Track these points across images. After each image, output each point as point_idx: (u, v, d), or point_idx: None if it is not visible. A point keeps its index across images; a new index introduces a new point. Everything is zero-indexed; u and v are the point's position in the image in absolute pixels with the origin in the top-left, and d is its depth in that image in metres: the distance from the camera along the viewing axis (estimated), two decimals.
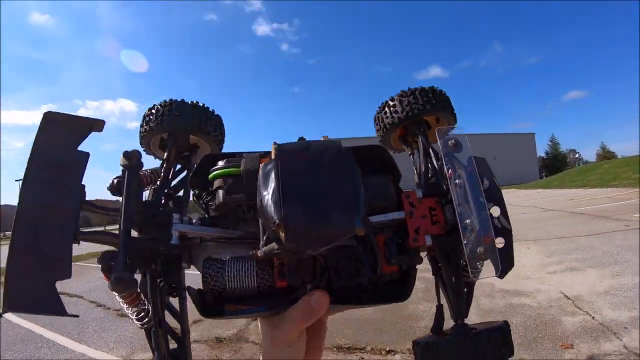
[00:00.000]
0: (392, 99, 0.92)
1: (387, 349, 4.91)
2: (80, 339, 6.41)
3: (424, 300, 6.23)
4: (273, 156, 0.62)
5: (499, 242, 0.70)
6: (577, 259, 7.81)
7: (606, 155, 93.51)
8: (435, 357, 0.71)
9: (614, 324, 4.81)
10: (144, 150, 0.98)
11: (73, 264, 0.58)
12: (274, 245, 0.59)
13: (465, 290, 0.78)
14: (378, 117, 0.96)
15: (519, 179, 60.60)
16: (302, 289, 0.68)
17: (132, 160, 0.71)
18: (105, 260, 0.65)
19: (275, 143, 0.63)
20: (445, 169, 0.73)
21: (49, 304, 0.59)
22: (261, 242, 0.65)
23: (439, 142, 0.75)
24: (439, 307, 0.80)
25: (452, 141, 0.74)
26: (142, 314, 0.74)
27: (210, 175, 0.74)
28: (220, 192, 0.72)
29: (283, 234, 0.54)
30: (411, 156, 0.93)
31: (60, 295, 0.59)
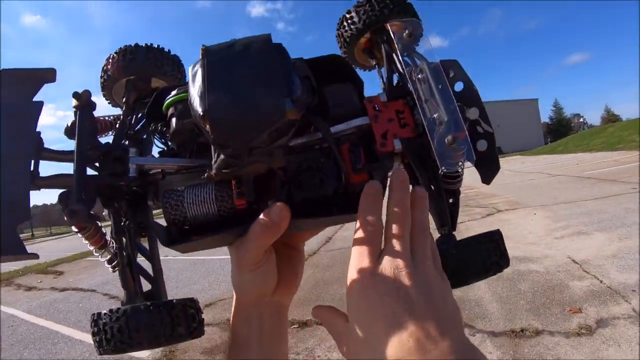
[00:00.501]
0: (349, 11, 0.87)
1: None
2: None
3: None
4: (201, 56, 0.59)
5: (481, 147, 0.69)
6: (584, 223, 7.79)
7: (610, 118, 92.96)
8: None
9: (622, 287, 4.81)
10: (108, 103, 0.99)
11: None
12: (221, 157, 0.58)
13: (451, 201, 0.75)
14: (338, 33, 0.92)
15: (523, 145, 60.42)
16: (263, 207, 0.64)
17: (81, 99, 0.72)
18: (63, 199, 0.66)
19: (202, 45, 0.60)
20: (403, 64, 0.70)
21: (10, 246, 0.59)
22: (213, 160, 0.62)
23: (392, 35, 0.72)
24: None
25: (407, 31, 0.71)
26: (111, 256, 0.78)
27: (164, 106, 0.72)
28: (173, 119, 0.69)
29: (208, 126, 0.52)
30: (376, 67, 0.89)
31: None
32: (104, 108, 0.82)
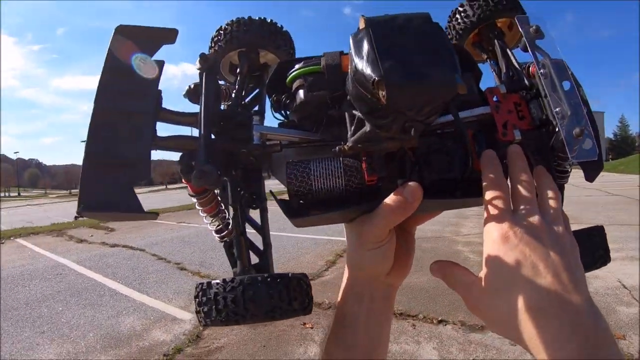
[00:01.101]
0: (462, 5, 0.88)
1: (439, 319, 4.94)
2: (141, 289, 6.71)
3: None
4: (362, 26, 0.57)
5: (587, 145, 0.66)
6: (637, 248, 7.51)
7: None
8: None
9: None
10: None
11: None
12: (365, 128, 0.58)
13: None
14: (449, 25, 0.92)
15: None
16: (389, 186, 0.64)
17: (209, 62, 0.72)
18: (184, 161, 0.67)
19: (362, 15, 0.58)
20: (532, 55, 0.69)
21: (126, 203, 0.60)
22: (349, 132, 0.63)
23: (520, 30, 0.72)
24: None
25: (534, 27, 0.71)
26: (222, 225, 0.76)
27: (289, 78, 0.72)
28: (301, 91, 0.69)
29: (383, 92, 0.50)
30: (487, 61, 0.89)
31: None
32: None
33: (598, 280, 5.93)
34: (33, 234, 13.41)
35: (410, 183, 0.62)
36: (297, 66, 0.71)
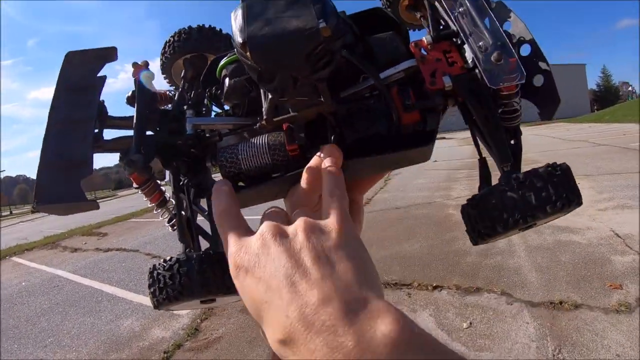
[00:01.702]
0: None
1: (434, 285, 4.97)
2: (138, 290, 6.73)
3: None
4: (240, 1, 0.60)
5: (537, 81, 0.69)
6: (629, 196, 7.56)
7: None
8: (480, 213, 0.69)
9: None
10: (167, 83, 1.07)
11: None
12: (269, 98, 0.61)
13: (512, 142, 0.75)
14: None
15: (569, 112, 58.50)
16: (315, 152, 0.63)
17: (139, 68, 0.81)
18: (122, 156, 0.75)
19: None
20: (444, 2, 0.71)
21: (70, 194, 0.70)
22: (263, 106, 0.65)
23: None
24: (481, 161, 0.77)
25: None
26: (170, 215, 0.84)
27: (217, 70, 0.76)
28: (226, 80, 0.73)
29: (249, 54, 0.54)
30: (422, 19, 0.89)
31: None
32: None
33: (591, 231, 6.00)
34: (28, 250, 13.36)
35: (325, 145, 0.61)
36: (224, 58, 0.75)
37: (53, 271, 9.36)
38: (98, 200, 0.75)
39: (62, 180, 0.70)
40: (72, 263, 9.84)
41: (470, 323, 4.01)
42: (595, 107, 78.25)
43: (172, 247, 9.33)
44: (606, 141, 17.69)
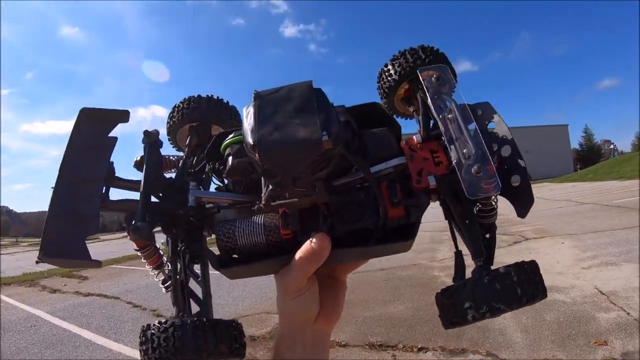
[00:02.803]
0: (386, 65, 0.94)
1: (419, 346, 4.92)
2: (118, 338, 6.57)
3: None
4: (252, 99, 0.66)
5: (515, 181, 0.72)
6: (612, 254, 7.66)
7: None
8: (453, 304, 0.71)
9: None
10: (173, 147, 1.10)
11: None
12: (269, 187, 0.66)
13: (487, 236, 0.78)
14: (378, 85, 0.98)
15: (552, 172, 59.30)
16: (306, 238, 0.70)
17: (150, 137, 0.84)
18: (128, 220, 0.76)
19: (255, 91, 0.67)
20: (434, 106, 0.75)
21: (77, 252, 0.71)
22: (263, 191, 0.70)
23: (422, 80, 0.78)
24: (457, 254, 0.80)
25: (435, 76, 0.77)
26: (165, 277, 0.86)
27: (222, 147, 0.81)
28: (230, 158, 0.78)
29: (257, 155, 0.59)
30: (414, 114, 0.92)
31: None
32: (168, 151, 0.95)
33: (575, 290, 6.03)
34: (5, 285, 13.15)
35: (317, 234, 0.69)
36: (230, 136, 0.80)
37: (30, 310, 9.17)
38: None
39: (69, 235, 0.71)
40: (50, 304, 9.64)
41: None
42: (578, 166, 79.33)
43: (153, 297, 9.23)
44: (589, 199, 17.99)
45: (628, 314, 4.97)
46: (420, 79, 0.79)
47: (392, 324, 5.76)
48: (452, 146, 0.71)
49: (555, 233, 10.47)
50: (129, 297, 9.62)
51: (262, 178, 0.72)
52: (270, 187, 0.66)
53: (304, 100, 0.64)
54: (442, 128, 0.73)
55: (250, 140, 0.60)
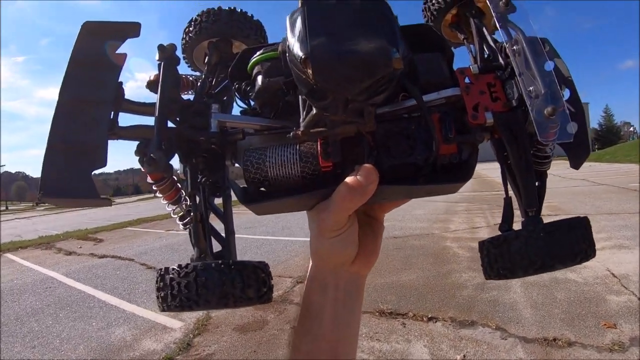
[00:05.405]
0: None
1: (429, 316, 4.92)
2: (131, 299, 6.64)
3: (468, 269, 6.21)
4: (299, 5, 0.57)
5: (571, 128, 0.62)
6: (626, 237, 7.57)
7: None
8: (502, 254, 0.66)
9: None
10: (188, 66, 1.00)
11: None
12: (312, 112, 0.57)
13: (538, 184, 0.71)
14: (425, 7, 0.90)
15: None
16: (348, 172, 0.61)
17: (166, 52, 0.73)
18: (141, 149, 0.68)
19: None
20: (501, 33, 0.67)
21: (82, 189, 0.61)
22: (301, 117, 0.62)
23: (489, 4, 0.70)
24: (507, 200, 0.73)
25: (504, 0, 0.68)
26: (183, 213, 0.77)
27: (249, 65, 0.71)
28: (259, 77, 0.68)
29: (310, 71, 0.50)
30: (465, 42, 0.86)
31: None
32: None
33: (587, 269, 5.97)
34: (22, 248, 13.28)
35: (366, 165, 0.60)
36: (257, 53, 0.71)
37: (46, 272, 9.28)
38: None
39: (72, 170, 0.61)
40: (65, 266, 9.76)
41: (464, 356, 3.99)
42: (596, 147, 78.37)
43: (167, 259, 9.39)
44: (606, 181, 17.77)
45: (639, 298, 4.93)
46: (487, 1, 0.70)
47: (402, 293, 5.76)
48: (517, 82, 0.63)
49: (569, 212, 10.29)
50: (143, 258, 9.70)
51: (302, 100, 0.63)
52: (314, 111, 0.57)
53: (364, 9, 0.55)
54: (503, 60, 0.68)
55: (300, 52, 0.51)
